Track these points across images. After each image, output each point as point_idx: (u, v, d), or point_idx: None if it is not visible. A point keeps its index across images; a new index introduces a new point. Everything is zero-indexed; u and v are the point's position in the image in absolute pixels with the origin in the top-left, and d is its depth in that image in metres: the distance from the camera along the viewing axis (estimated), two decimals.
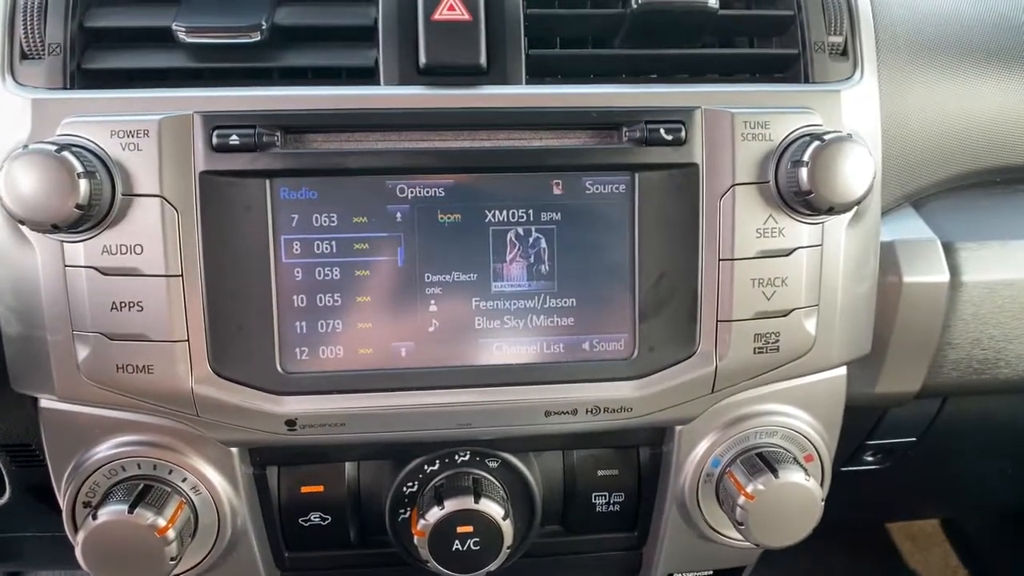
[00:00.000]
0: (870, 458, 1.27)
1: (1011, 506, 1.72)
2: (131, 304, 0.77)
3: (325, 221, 0.80)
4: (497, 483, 0.92)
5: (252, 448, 0.89)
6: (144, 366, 0.78)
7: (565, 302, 0.84)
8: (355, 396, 0.83)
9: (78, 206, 0.71)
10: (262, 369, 0.81)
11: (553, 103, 0.82)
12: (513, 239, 0.83)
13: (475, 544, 0.87)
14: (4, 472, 1.03)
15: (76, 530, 0.83)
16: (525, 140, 0.82)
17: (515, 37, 0.84)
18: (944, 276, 0.94)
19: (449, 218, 0.82)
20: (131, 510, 0.80)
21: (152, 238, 0.76)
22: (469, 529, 0.86)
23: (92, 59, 0.82)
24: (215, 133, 0.76)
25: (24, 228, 0.76)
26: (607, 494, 0.99)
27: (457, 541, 0.86)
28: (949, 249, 0.95)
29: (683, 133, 0.81)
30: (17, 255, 0.79)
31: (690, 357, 0.85)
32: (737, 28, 0.91)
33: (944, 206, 1.00)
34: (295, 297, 0.81)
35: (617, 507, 1.00)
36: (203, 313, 0.78)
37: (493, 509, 0.87)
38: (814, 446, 0.94)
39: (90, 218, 0.73)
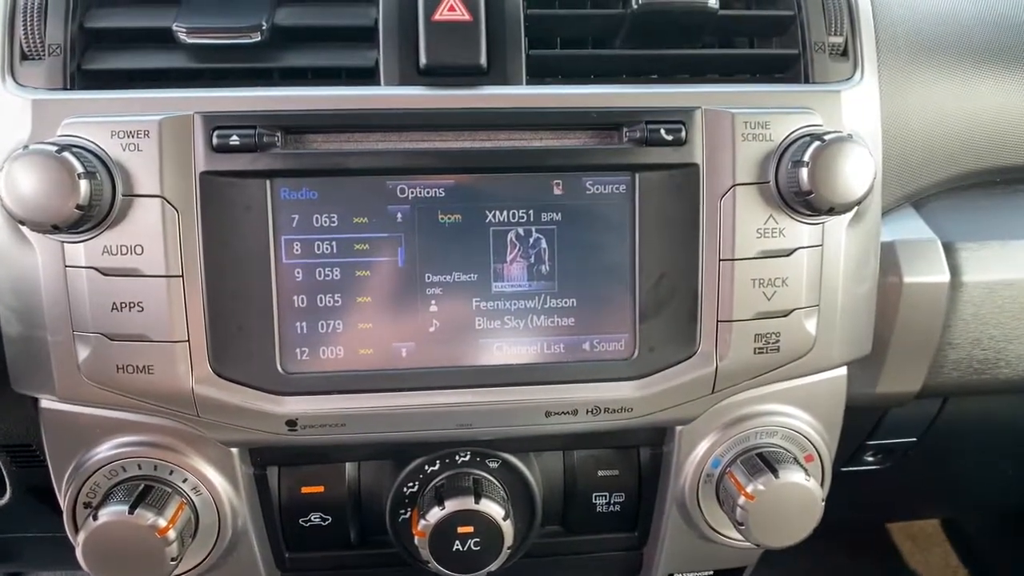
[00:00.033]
0: (870, 458, 1.27)
1: (1011, 506, 1.72)
2: (131, 304, 0.77)
3: (325, 221, 0.80)
4: (497, 483, 0.92)
5: (253, 448, 0.89)
6: (144, 366, 0.78)
7: (565, 302, 0.84)
8: (356, 396, 0.83)
9: (78, 206, 0.71)
10: (262, 369, 0.81)
11: (553, 103, 0.82)
12: (513, 239, 0.83)
13: (475, 544, 0.87)
14: (4, 472, 1.03)
15: (77, 531, 0.83)
16: (525, 140, 0.82)
17: (515, 37, 0.84)
18: (944, 276, 0.94)
19: (449, 218, 0.82)
20: (132, 511, 0.80)
21: (152, 238, 0.76)
22: (469, 529, 0.86)
23: (92, 60, 0.82)
24: (215, 133, 0.76)
25: (24, 228, 0.76)
26: (607, 494, 0.99)
27: (457, 541, 0.87)
28: (949, 249, 0.95)
29: (683, 133, 0.81)
30: (17, 255, 0.79)
31: (690, 357, 0.85)
32: (737, 28, 0.91)
33: (944, 206, 1.00)
34: (295, 297, 0.81)
35: (617, 507, 1.00)
36: (203, 313, 0.78)
37: (493, 509, 0.87)
38: (814, 446, 0.94)
39: (90, 218, 0.73)
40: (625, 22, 0.84)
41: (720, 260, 0.83)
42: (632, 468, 0.99)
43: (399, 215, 0.81)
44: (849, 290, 0.88)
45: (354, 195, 0.80)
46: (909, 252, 0.94)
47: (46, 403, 0.85)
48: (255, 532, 0.92)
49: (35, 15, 0.81)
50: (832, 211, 0.80)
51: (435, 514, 0.86)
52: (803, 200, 0.79)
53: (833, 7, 0.90)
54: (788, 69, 0.90)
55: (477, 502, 0.86)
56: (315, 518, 0.95)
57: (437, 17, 0.81)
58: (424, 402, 0.83)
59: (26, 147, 0.72)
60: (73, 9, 0.81)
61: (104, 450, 0.85)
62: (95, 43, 0.83)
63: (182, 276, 0.77)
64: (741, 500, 0.87)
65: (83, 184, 0.71)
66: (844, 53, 0.91)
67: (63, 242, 0.77)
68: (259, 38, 0.80)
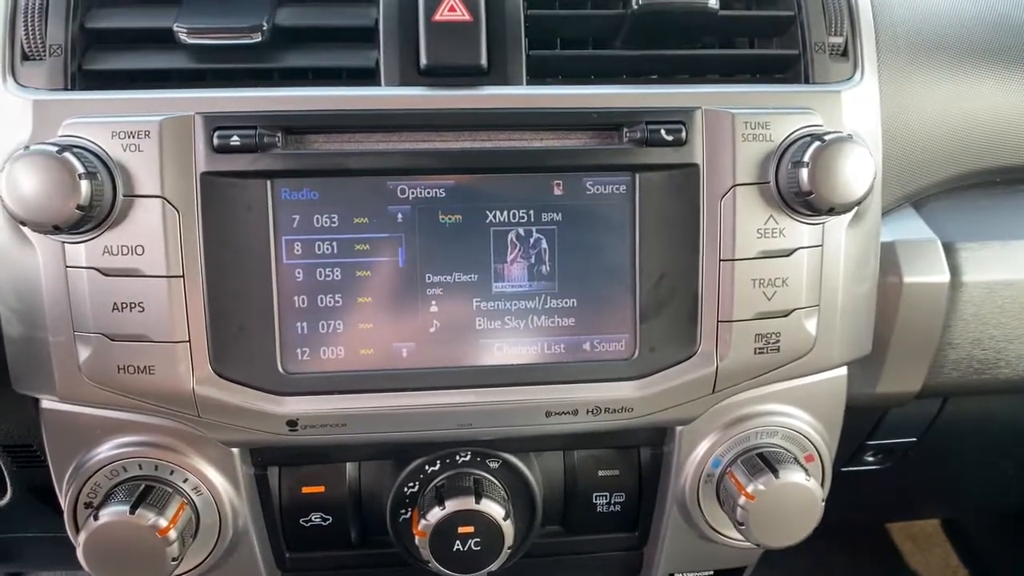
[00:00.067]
0: (871, 458, 1.27)
1: (1011, 506, 1.72)
2: (132, 305, 0.77)
3: (326, 222, 0.80)
4: (498, 483, 0.92)
5: (253, 449, 0.89)
6: (145, 367, 0.78)
7: (566, 302, 0.84)
8: (356, 397, 0.83)
9: (79, 207, 0.71)
10: (263, 370, 0.81)
11: (554, 104, 0.82)
12: (514, 240, 0.83)
13: (476, 544, 0.87)
14: (5, 473, 1.03)
15: (77, 531, 0.83)
16: (526, 141, 0.82)
17: (516, 38, 0.84)
18: (944, 276, 0.94)
19: (450, 219, 0.82)
20: (132, 511, 0.80)
21: (153, 239, 0.76)
22: (470, 529, 0.86)
23: (93, 60, 0.82)
24: (216, 134, 0.77)
25: (25, 229, 0.76)
26: (608, 494, 0.99)
27: (458, 541, 0.87)
28: (949, 249, 0.95)
29: (684, 134, 0.81)
30: (18, 256, 0.79)
31: (691, 357, 0.85)
32: (737, 29, 0.91)
33: (944, 206, 1.00)
34: (296, 298, 0.81)
35: (618, 507, 1.00)
36: (204, 314, 0.79)
37: (494, 509, 0.87)
38: (815, 446, 0.94)
39: (91, 219, 0.73)
40: (625, 22, 0.84)
41: (720, 260, 0.83)
42: (632, 468, 0.99)
43: (400, 215, 0.81)
44: (849, 290, 0.88)
45: (355, 195, 0.80)
46: (909, 252, 0.94)
47: (47, 403, 0.85)
48: (256, 532, 0.92)
49: (36, 15, 0.81)
50: (832, 211, 0.81)
51: (435, 514, 0.86)
52: (803, 200, 0.79)
53: (833, 7, 0.90)
54: (788, 69, 0.90)
55: (478, 502, 0.86)
56: (316, 518, 0.95)
57: (437, 17, 0.81)
58: (425, 402, 0.84)
59: (27, 147, 0.72)
60: (74, 9, 0.81)
61: (105, 450, 0.85)
62: (96, 43, 0.83)
63: (183, 276, 0.77)
64: (741, 500, 0.87)
65: (84, 184, 0.71)
66: (844, 53, 0.91)
67: (64, 242, 0.77)
68: (260, 38, 0.80)
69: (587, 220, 0.83)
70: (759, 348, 0.85)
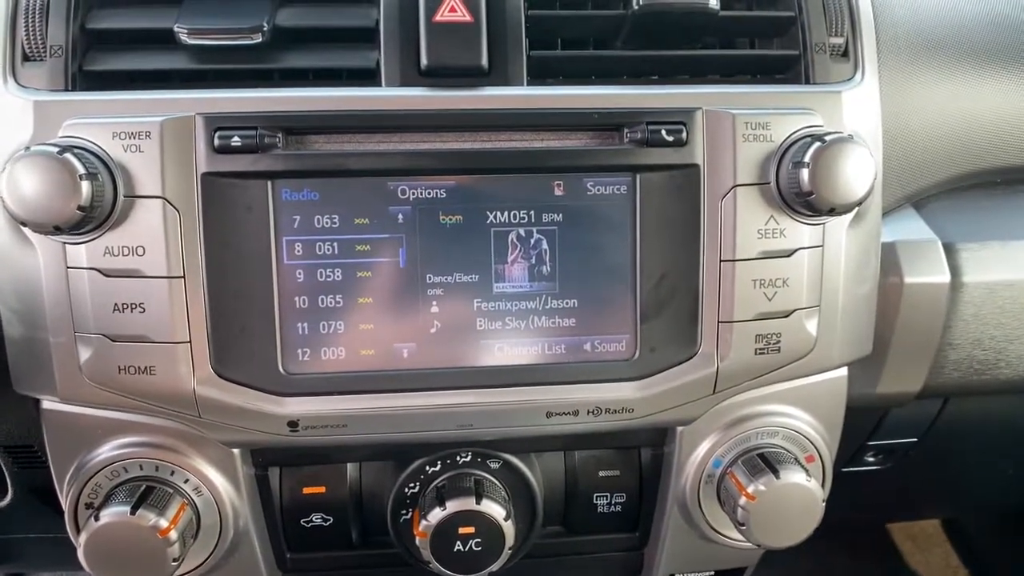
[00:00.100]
0: (871, 459, 1.27)
1: (1012, 506, 1.72)
2: (133, 305, 0.77)
3: (327, 222, 0.80)
4: (499, 484, 0.92)
5: (254, 449, 0.89)
6: (146, 367, 0.78)
7: (566, 303, 0.84)
8: (357, 397, 0.83)
9: (80, 208, 0.71)
10: (264, 370, 0.81)
11: (554, 104, 0.82)
12: (515, 240, 0.83)
13: (477, 545, 0.87)
14: (6, 473, 1.03)
15: (78, 531, 0.83)
16: (526, 141, 0.82)
17: (516, 38, 0.84)
18: (945, 277, 0.94)
19: (451, 219, 0.82)
20: (133, 511, 0.80)
21: (154, 239, 0.76)
22: (471, 530, 0.86)
23: (94, 61, 0.82)
24: (217, 134, 0.77)
25: (26, 230, 0.76)
26: (608, 495, 0.99)
27: (459, 542, 0.87)
28: (950, 250, 0.95)
29: (684, 134, 0.81)
30: (19, 257, 0.79)
31: (691, 358, 0.85)
32: (738, 29, 0.91)
33: (945, 207, 1.00)
34: (297, 298, 0.81)
35: (618, 508, 1.00)
36: (205, 314, 0.79)
37: (495, 510, 0.87)
38: (815, 446, 0.94)
39: (92, 220, 0.73)
40: (626, 23, 0.84)
41: (721, 261, 0.83)
42: (633, 468, 0.99)
43: (400, 216, 0.81)
44: (850, 291, 0.88)
45: (355, 196, 0.80)
46: (910, 252, 0.94)
47: (48, 404, 0.85)
48: (256, 533, 0.92)
49: (36, 16, 0.81)
50: (833, 212, 0.81)
51: (436, 515, 0.86)
52: (804, 201, 0.79)
53: (834, 8, 0.90)
54: (789, 70, 0.90)
55: (478, 502, 0.86)
56: (316, 518, 0.95)
57: (438, 18, 0.81)
58: (425, 403, 0.84)
59: (28, 148, 0.72)
60: (74, 10, 0.81)
61: (106, 451, 0.85)
62: (96, 44, 0.83)
63: (183, 277, 0.77)
64: (742, 500, 0.87)
65: (85, 185, 0.71)
66: (845, 54, 0.91)
67: (65, 243, 0.77)
68: (260, 39, 0.80)
69: (588, 220, 0.83)
70: (760, 349, 0.85)
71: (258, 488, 0.91)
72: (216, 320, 0.79)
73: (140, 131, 0.76)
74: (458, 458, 0.93)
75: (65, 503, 0.86)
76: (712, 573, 1.07)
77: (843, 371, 0.94)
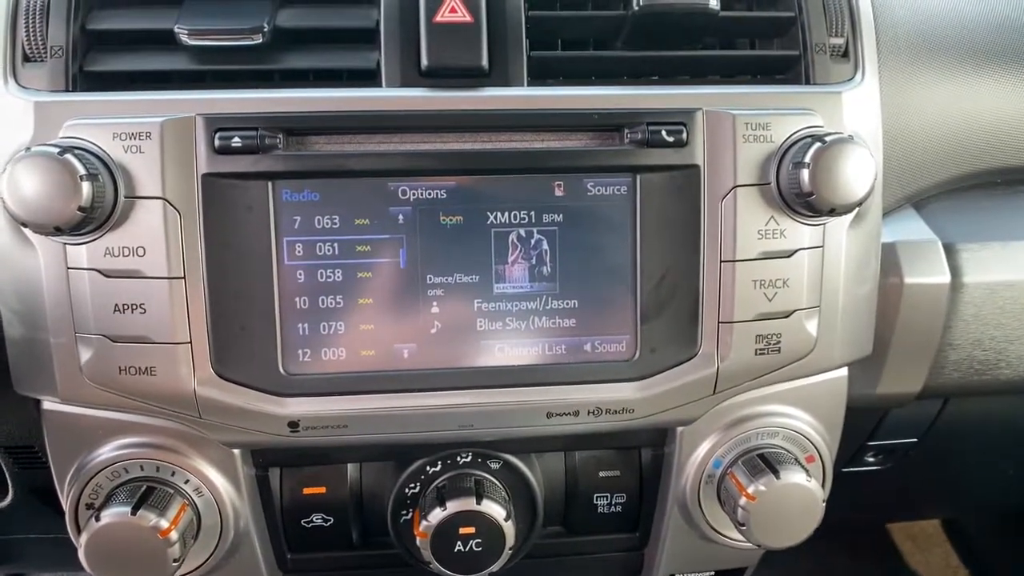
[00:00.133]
0: (871, 459, 1.27)
1: (1012, 506, 1.72)
2: (134, 306, 0.77)
3: (327, 223, 0.80)
4: (499, 484, 0.92)
5: (254, 450, 0.89)
6: (147, 368, 0.78)
7: (567, 304, 0.84)
8: (357, 398, 0.83)
9: (80, 208, 0.71)
10: (264, 371, 0.81)
11: (555, 105, 0.82)
12: (515, 241, 0.83)
13: (477, 545, 0.87)
14: (7, 474, 1.03)
15: (79, 532, 0.83)
16: (527, 142, 0.82)
17: (517, 39, 0.84)
18: (945, 277, 0.94)
19: (451, 220, 0.82)
20: (134, 512, 0.80)
21: (154, 240, 0.76)
22: (471, 530, 0.86)
23: (94, 61, 0.82)
24: (217, 135, 0.77)
25: (27, 230, 0.76)
26: (609, 495, 0.99)
27: (459, 542, 0.87)
28: (950, 250, 0.96)
29: (684, 135, 0.81)
30: (20, 257, 0.79)
31: (692, 358, 0.85)
32: (738, 30, 0.91)
33: (945, 207, 1.00)
34: (297, 299, 0.81)
35: (619, 508, 1.00)
36: (205, 315, 0.79)
37: (495, 510, 0.87)
38: (815, 447, 0.94)
39: (92, 220, 0.73)
40: (626, 23, 0.84)
41: (721, 261, 0.83)
42: (633, 469, 0.99)
43: (401, 216, 0.81)
44: (850, 291, 0.88)
45: (356, 196, 0.80)
46: (910, 253, 0.94)
47: (48, 404, 0.85)
48: (257, 533, 0.93)
49: (37, 17, 0.81)
50: (833, 212, 0.81)
51: (437, 515, 0.86)
52: (804, 201, 0.79)
53: (834, 8, 0.90)
54: (789, 70, 0.90)
55: (479, 503, 0.86)
56: (317, 519, 0.95)
57: (438, 19, 0.81)
58: (426, 403, 0.84)
59: (28, 149, 0.72)
60: (75, 11, 0.81)
61: (106, 451, 0.85)
62: (97, 45, 0.83)
63: (184, 278, 0.77)
64: (742, 501, 0.87)
65: (85, 186, 0.71)
66: (845, 54, 0.91)
67: (65, 244, 0.77)
68: (261, 40, 0.80)
69: (588, 221, 0.83)
70: (760, 349, 0.85)
71: (258, 488, 0.91)
72: (216, 320, 0.79)
73: (140, 132, 0.76)
74: (458, 458, 0.93)
75: (66, 504, 0.86)
76: (712, 573, 1.07)
77: (843, 371, 0.94)
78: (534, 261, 0.83)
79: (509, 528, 0.87)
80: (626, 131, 0.82)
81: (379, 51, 0.83)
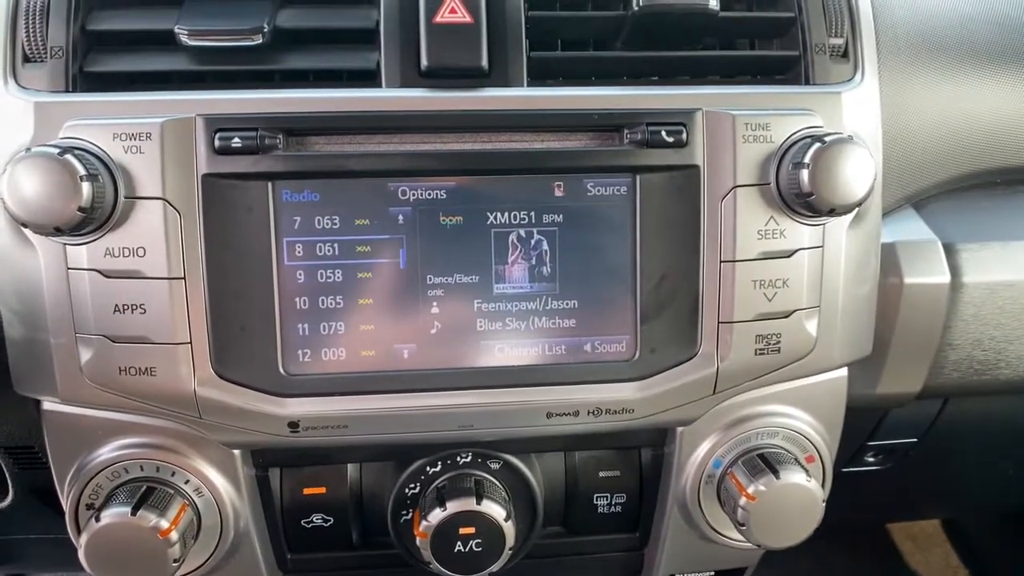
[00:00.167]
0: (871, 459, 1.27)
1: (1011, 506, 1.72)
2: (134, 307, 0.77)
3: (327, 223, 0.80)
4: (499, 484, 0.92)
5: (255, 450, 0.89)
6: (147, 368, 0.78)
7: (567, 304, 0.84)
8: (357, 398, 0.83)
9: (81, 209, 0.71)
10: (264, 371, 0.81)
11: (554, 105, 0.82)
12: (515, 241, 0.83)
13: (477, 545, 0.87)
14: (7, 474, 1.03)
15: (79, 532, 0.83)
16: (527, 142, 0.82)
17: (516, 39, 0.84)
18: (945, 277, 0.94)
19: (451, 220, 0.82)
20: (134, 512, 0.80)
21: (154, 240, 0.76)
22: (471, 530, 0.86)
23: (94, 62, 0.82)
24: (217, 135, 0.77)
25: (27, 231, 0.76)
26: (609, 495, 0.99)
27: (459, 542, 0.87)
28: (950, 250, 0.96)
29: (684, 135, 0.81)
30: (20, 258, 0.79)
31: (692, 358, 0.85)
32: (738, 30, 0.91)
33: (945, 207, 1.00)
34: (297, 299, 0.81)
35: (619, 508, 1.00)
36: (205, 315, 0.79)
37: (495, 510, 0.87)
38: (815, 447, 0.94)
39: (92, 221, 0.73)
40: (626, 24, 0.84)
41: (721, 261, 0.83)
42: (633, 469, 0.99)
43: (400, 217, 0.81)
44: (850, 291, 0.88)
45: (356, 197, 0.80)
46: (910, 253, 0.94)
47: (48, 405, 0.85)
48: (257, 533, 0.93)
49: (37, 17, 0.81)
50: (833, 212, 0.81)
51: (437, 515, 0.86)
52: (804, 201, 0.79)
53: (834, 9, 0.90)
54: (789, 71, 0.90)
55: (479, 503, 0.86)
56: (317, 519, 0.95)
57: (438, 19, 0.81)
58: (426, 403, 0.84)
59: (28, 149, 0.72)
60: (75, 11, 0.81)
61: (106, 452, 0.85)
62: (97, 45, 0.83)
63: (184, 278, 0.77)
64: (742, 501, 0.87)
65: (85, 186, 0.71)
66: (845, 54, 0.91)
67: (65, 244, 0.77)
68: (261, 40, 0.81)
69: (588, 221, 0.83)
70: (760, 349, 0.85)
71: (259, 489, 0.91)
72: (217, 321, 0.79)
73: (141, 132, 0.76)
74: (458, 459, 0.93)
75: (66, 504, 0.86)
76: (712, 573, 1.07)
77: (843, 371, 0.94)
78: (534, 261, 0.83)
79: (509, 528, 0.87)
80: (626, 131, 0.82)
81: (379, 51, 0.83)
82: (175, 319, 0.78)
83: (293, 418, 0.82)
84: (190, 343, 0.78)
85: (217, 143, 0.76)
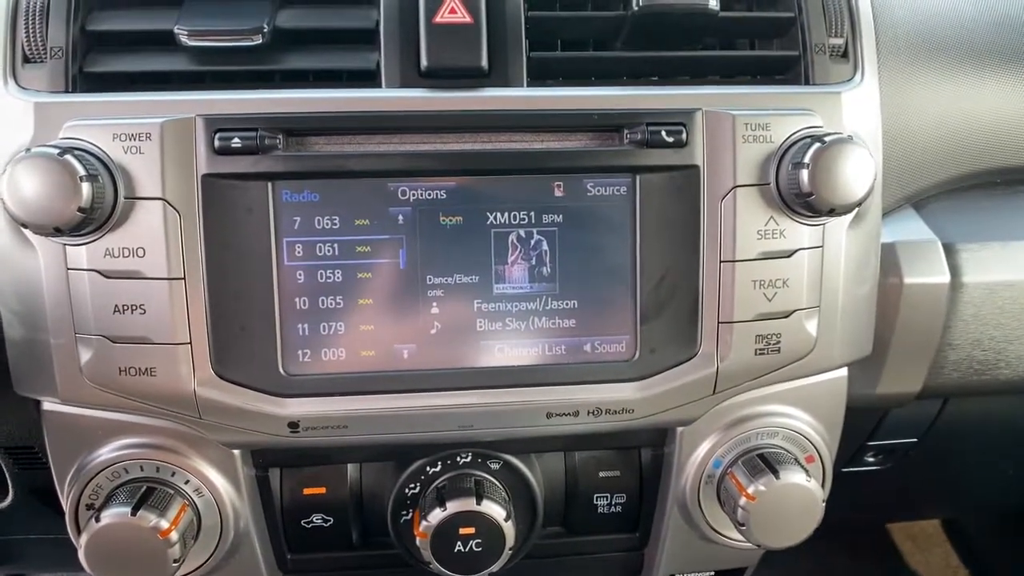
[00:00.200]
0: (871, 459, 1.27)
1: (1012, 506, 1.72)
2: (133, 307, 0.77)
3: (327, 223, 0.80)
4: (499, 484, 0.92)
5: (255, 450, 0.89)
6: (147, 368, 0.78)
7: (567, 304, 0.84)
8: (357, 398, 0.83)
9: (80, 209, 0.71)
10: (264, 371, 0.81)
11: (554, 105, 0.82)
12: (515, 241, 0.83)
13: (477, 545, 0.87)
14: (7, 474, 1.03)
15: (79, 532, 0.83)
16: (526, 142, 0.82)
17: (516, 39, 0.84)
18: (945, 277, 0.94)
19: (451, 220, 0.82)
20: (134, 512, 0.80)
21: (154, 241, 0.76)
22: (471, 530, 0.86)
23: (94, 62, 0.82)
24: (217, 136, 0.77)
25: (27, 231, 0.76)
26: (609, 495, 0.99)
27: (459, 542, 0.87)
28: (950, 250, 0.96)
29: (684, 135, 0.81)
30: (20, 258, 0.79)
31: (692, 358, 0.85)
32: (738, 30, 0.91)
33: (945, 207, 1.00)
34: (297, 299, 0.81)
35: (619, 508, 1.00)
36: (205, 315, 0.79)
37: (495, 510, 0.87)
38: (815, 447, 0.94)
39: (92, 221, 0.73)
40: (626, 24, 0.84)
41: (721, 261, 0.83)
42: (633, 469, 0.99)
43: (400, 217, 0.81)
44: (850, 291, 0.88)
45: (355, 197, 0.80)
46: (909, 253, 0.94)
47: (48, 405, 0.85)
48: (257, 533, 0.93)
49: (37, 17, 0.81)
50: (833, 212, 0.81)
51: (437, 515, 0.86)
52: (804, 201, 0.79)
53: (833, 9, 0.90)
54: (788, 71, 0.90)
55: (479, 503, 0.86)
56: (317, 519, 0.95)
57: (438, 19, 0.81)
58: (426, 403, 0.84)
59: (28, 150, 0.72)
60: (75, 11, 0.81)
61: (106, 452, 0.85)
62: (97, 46, 0.83)
63: (184, 278, 0.77)
64: (742, 501, 0.87)
65: (85, 187, 0.71)
66: (844, 55, 0.91)
67: (65, 245, 0.77)
68: (260, 40, 0.81)
69: (588, 221, 0.83)
70: (760, 349, 0.85)
71: (258, 489, 0.91)
72: (216, 321, 0.79)
73: (140, 132, 0.76)
74: (458, 459, 0.93)
75: (66, 504, 0.86)
76: (712, 573, 1.07)
77: (843, 371, 0.94)
78: (534, 261, 0.83)
79: (509, 528, 0.87)
80: (626, 131, 0.82)
81: (379, 52, 0.83)
82: (175, 319, 0.78)
83: (293, 418, 0.82)
84: (190, 343, 0.78)
85: (217, 143, 0.76)
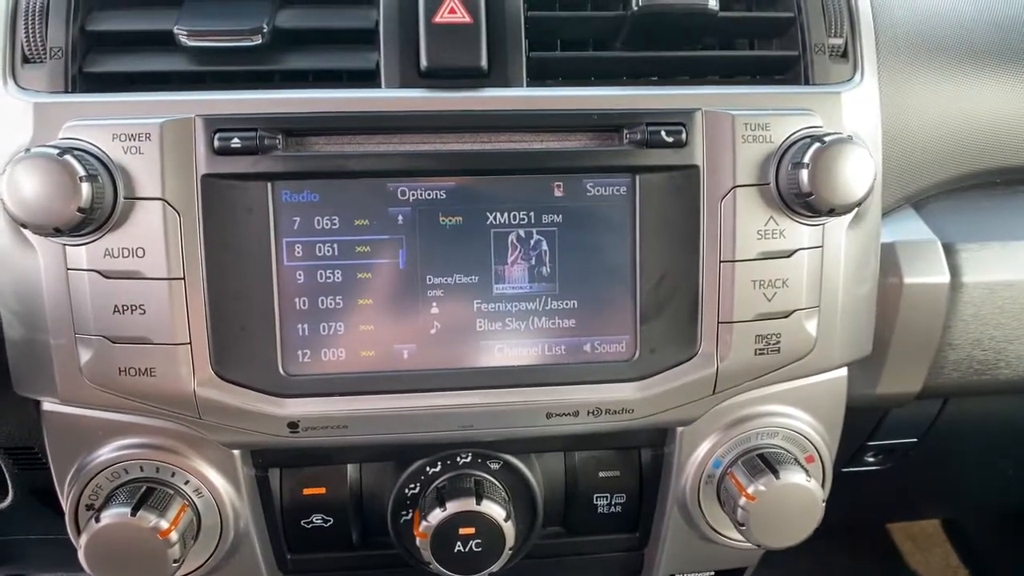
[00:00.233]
0: (871, 459, 1.27)
1: (1011, 506, 1.72)
2: (133, 307, 0.77)
3: (327, 224, 0.80)
4: (499, 484, 0.92)
5: (254, 450, 0.89)
6: (146, 369, 0.78)
7: (566, 304, 0.84)
8: (357, 398, 0.83)
9: (80, 209, 0.71)
10: (264, 371, 0.81)
11: (554, 105, 0.82)
12: (515, 241, 0.83)
13: (477, 546, 0.87)
14: (7, 475, 1.03)
15: (79, 533, 0.83)
16: (526, 142, 0.82)
17: (516, 39, 0.84)
18: (945, 277, 0.94)
19: (450, 220, 0.82)
20: (134, 512, 0.80)
21: (154, 241, 0.76)
22: (471, 531, 0.86)
23: (94, 63, 0.82)
24: (217, 136, 0.77)
25: (26, 231, 0.76)
26: (608, 495, 0.99)
27: (459, 542, 0.87)
28: (949, 250, 0.96)
29: (684, 135, 0.81)
30: (19, 258, 0.79)
31: (691, 358, 0.85)
32: (737, 30, 0.91)
33: (944, 207, 1.00)
34: (297, 299, 0.81)
35: (619, 508, 1.00)
36: (205, 316, 0.79)
37: (495, 510, 0.87)
38: (815, 447, 0.94)
39: (92, 221, 0.73)
40: (625, 24, 0.84)
41: (720, 261, 0.83)
42: (633, 469, 0.99)
43: (400, 217, 0.81)
44: (849, 291, 0.88)
45: (355, 197, 0.80)
46: (909, 253, 0.94)
47: (48, 405, 0.85)
48: (257, 534, 0.93)
49: (36, 18, 0.81)
50: (832, 212, 0.81)
51: (436, 515, 0.86)
52: (803, 201, 0.79)
53: (833, 9, 0.90)
54: (788, 71, 0.90)
55: (478, 503, 0.86)
56: (317, 519, 0.95)
57: (438, 19, 0.81)
58: (425, 404, 0.84)
59: (28, 150, 0.72)
60: (74, 12, 0.81)
61: (106, 452, 0.85)
62: (96, 46, 0.83)
63: (184, 279, 0.77)
64: (742, 501, 0.87)
65: (85, 187, 0.71)
66: (844, 54, 0.91)
67: (65, 245, 0.77)
68: (260, 40, 0.81)
69: (588, 221, 0.83)
70: (759, 349, 0.85)
71: (258, 489, 0.91)
72: (216, 321, 0.79)
73: (140, 133, 0.76)
74: (458, 459, 0.93)
75: (66, 504, 0.86)
76: (712, 573, 1.07)
77: (843, 371, 0.94)
78: (533, 261, 0.83)
79: (509, 528, 0.87)
80: (625, 131, 0.82)
81: (378, 52, 0.83)
82: (175, 319, 0.78)
83: (293, 418, 0.82)
84: (190, 343, 0.79)
85: (216, 143, 0.76)
